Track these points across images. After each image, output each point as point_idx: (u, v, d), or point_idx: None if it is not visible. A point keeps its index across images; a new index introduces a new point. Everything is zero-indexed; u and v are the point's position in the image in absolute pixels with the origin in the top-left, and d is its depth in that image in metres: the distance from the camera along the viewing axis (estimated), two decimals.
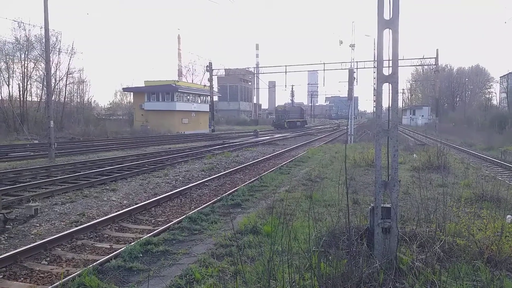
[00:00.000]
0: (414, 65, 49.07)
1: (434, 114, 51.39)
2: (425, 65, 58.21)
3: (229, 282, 4.48)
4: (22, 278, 5.57)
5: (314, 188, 10.06)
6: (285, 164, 16.75)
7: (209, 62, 49.09)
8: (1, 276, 5.54)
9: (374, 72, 45.17)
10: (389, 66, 4.75)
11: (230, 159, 19.36)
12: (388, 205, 4.74)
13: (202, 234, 6.89)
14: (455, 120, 54.54)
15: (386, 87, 4.79)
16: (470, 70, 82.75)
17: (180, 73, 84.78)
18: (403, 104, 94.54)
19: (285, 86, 64.58)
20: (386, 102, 4.85)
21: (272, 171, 14.60)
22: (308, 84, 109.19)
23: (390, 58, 4.64)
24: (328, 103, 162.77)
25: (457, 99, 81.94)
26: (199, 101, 54.14)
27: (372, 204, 4.94)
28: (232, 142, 30.10)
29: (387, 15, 4.60)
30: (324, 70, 44.39)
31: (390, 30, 4.59)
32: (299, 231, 6.00)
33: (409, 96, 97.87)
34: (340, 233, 5.33)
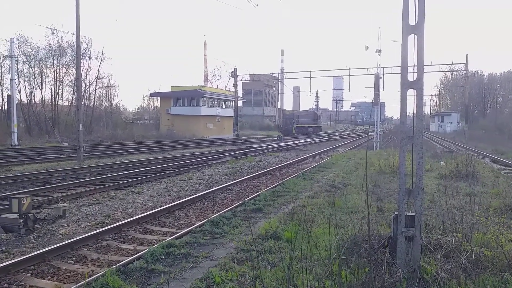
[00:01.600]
0: (442, 71, 48.05)
1: (464, 121, 49.95)
2: (454, 70, 56.81)
3: (248, 287, 4.48)
4: (49, 277, 5.74)
5: (337, 195, 9.95)
6: (308, 169, 16.65)
7: (234, 68, 49.51)
8: (29, 274, 5.72)
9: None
10: (414, 72, 4.68)
11: (253, 163, 19.41)
12: (412, 213, 4.65)
13: (223, 238, 6.93)
14: (486, 127, 52.89)
15: (411, 93, 4.72)
16: (502, 76, 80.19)
17: (205, 79, 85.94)
18: (431, 111, 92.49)
19: (310, 91, 63.42)
20: (411, 109, 4.78)
21: (294, 176, 14.53)
22: (333, 89, 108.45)
23: (415, 64, 4.57)
24: (353, 108, 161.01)
25: (488, 106, 79.47)
26: (224, 106, 54.61)
27: (396, 212, 4.86)
28: (256, 147, 30.17)
29: (412, 20, 4.54)
30: (349, 75, 43.96)
31: (415, 36, 4.52)
32: (320, 238, 5.95)
33: (438, 102, 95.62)
34: (362, 240, 5.25)
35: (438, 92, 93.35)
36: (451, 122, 73.90)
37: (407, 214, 4.67)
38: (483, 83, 78.23)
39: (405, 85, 4.60)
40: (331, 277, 4.32)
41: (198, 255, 5.99)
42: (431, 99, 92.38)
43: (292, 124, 57.27)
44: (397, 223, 4.67)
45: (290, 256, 4.22)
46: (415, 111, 4.63)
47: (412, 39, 4.54)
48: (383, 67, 38.97)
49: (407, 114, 5.02)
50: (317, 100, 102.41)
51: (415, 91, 4.59)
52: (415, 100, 4.61)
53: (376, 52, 29.32)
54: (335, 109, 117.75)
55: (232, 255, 5.84)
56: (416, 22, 4.49)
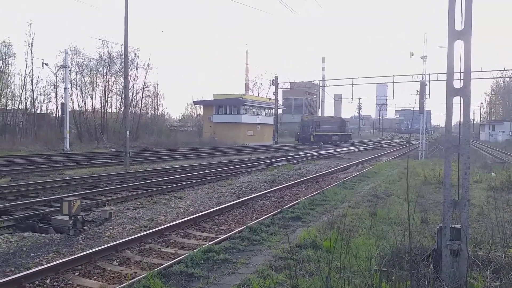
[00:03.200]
0: (493, 77, 45.57)
1: None
2: (507, 77, 53.77)
3: None
4: (94, 277, 5.99)
5: (379, 205, 9.69)
6: (349, 178, 16.35)
7: (275, 76, 49.74)
8: (77, 274, 6.00)
9: None
10: (460, 79, 4.51)
11: (292, 171, 19.33)
12: (458, 226, 4.45)
13: (261, 245, 6.94)
14: None
15: (457, 101, 4.55)
16: None
17: (247, 87, 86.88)
18: (481, 119, 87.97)
19: (352, 98, 61.43)
20: (458, 117, 4.61)
21: (335, 185, 14.31)
22: (376, 96, 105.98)
23: (462, 71, 4.41)
24: (397, 116, 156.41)
25: None
26: (264, 114, 54.90)
27: (440, 224, 4.67)
28: (295, 155, 30.02)
29: (458, 26, 4.38)
30: (393, 82, 42.89)
31: (462, 41, 4.36)
32: (360, 249, 5.82)
33: (488, 110, 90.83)
34: (405, 253, 5.08)
35: (489, 100, 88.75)
36: (503, 131, 69.78)
37: (453, 226, 4.48)
38: None
39: (451, 93, 4.44)
40: None
41: (236, 261, 6.04)
42: (481, 107, 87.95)
43: (311, 131, 50.87)
44: (442, 235, 4.49)
45: (328, 266, 4.17)
46: (461, 119, 4.45)
47: (458, 45, 4.39)
48: (429, 74, 37.66)
49: (454, 123, 4.84)
50: (359, 108, 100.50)
51: (461, 98, 4.42)
52: (462, 108, 4.43)
53: (422, 58, 28.43)
54: (378, 117, 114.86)
55: (270, 262, 5.84)
56: (463, 27, 4.34)
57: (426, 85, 29.17)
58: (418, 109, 30.32)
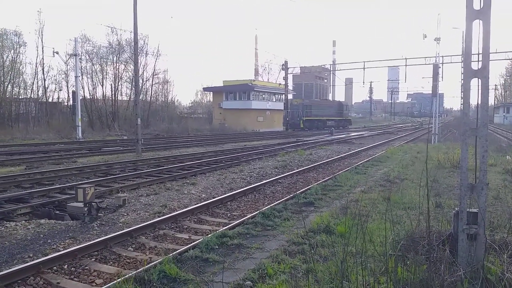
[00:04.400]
0: (509, 59, 44.50)
1: None
2: None
3: (301, 280, 4.48)
4: (111, 262, 6.09)
5: (393, 190, 9.63)
6: (361, 163, 16.25)
7: (285, 61, 49.27)
8: (93, 259, 6.10)
9: (462, 67, 41.89)
10: (478, 60, 4.39)
11: (303, 157, 19.27)
12: (475, 210, 4.39)
13: (274, 230, 6.96)
14: None
15: (474, 83, 4.44)
16: None
17: (256, 72, 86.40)
18: (495, 101, 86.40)
19: (363, 82, 60.35)
20: (474, 99, 4.50)
21: (347, 170, 14.24)
22: (388, 80, 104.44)
23: (480, 52, 4.29)
24: (409, 100, 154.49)
25: None
26: (274, 100, 54.60)
27: (456, 208, 4.61)
28: (306, 140, 29.92)
29: (477, 5, 4.25)
30: (406, 65, 42.07)
31: (481, 21, 4.23)
32: (374, 234, 5.79)
33: (503, 93, 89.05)
34: (420, 237, 5.04)
35: (503, 82, 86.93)
36: None
37: (469, 210, 4.42)
38: None
39: (469, 74, 4.33)
40: (386, 274, 4.20)
41: (250, 246, 6.08)
42: (495, 89, 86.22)
43: (300, 116, 46.40)
44: (458, 219, 4.44)
45: (343, 250, 4.15)
46: (479, 102, 4.34)
47: (477, 25, 4.26)
48: (442, 56, 36.92)
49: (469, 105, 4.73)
50: (370, 92, 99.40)
51: (479, 80, 4.30)
52: (480, 90, 4.33)
53: (435, 40, 27.89)
54: (390, 101, 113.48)
55: (284, 247, 5.86)
56: (481, 7, 4.20)
57: (440, 67, 28.64)
58: (431, 92, 29.85)
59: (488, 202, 8.03)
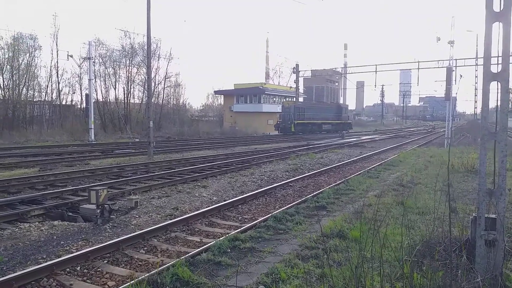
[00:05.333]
0: None
1: None
2: None
3: (315, 285, 4.42)
4: (123, 265, 6.09)
5: (406, 194, 9.49)
6: (373, 167, 16.09)
7: (296, 64, 49.19)
8: (106, 261, 6.12)
9: (476, 70, 41.31)
10: (498, 63, 4.30)
11: (315, 160, 19.16)
12: (493, 216, 4.30)
13: (287, 234, 6.91)
14: None
15: (493, 86, 4.35)
16: None
17: (267, 76, 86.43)
18: (511, 105, 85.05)
19: (375, 86, 59.38)
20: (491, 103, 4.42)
21: (359, 174, 14.11)
22: (400, 83, 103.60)
23: (500, 54, 4.20)
24: (422, 103, 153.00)
25: None
26: None
27: (474, 214, 4.52)
28: (317, 144, 29.77)
29: (496, 7, 4.17)
30: (418, 68, 41.63)
31: (500, 23, 4.15)
32: (389, 239, 5.71)
33: None
34: (436, 243, 4.95)
35: None
36: None
37: (488, 216, 4.33)
38: None
39: (488, 77, 4.25)
40: (402, 279, 4.12)
41: (262, 250, 6.03)
42: (510, 92, 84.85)
43: (291, 120, 42.10)
44: (476, 225, 4.35)
45: (358, 256, 4.09)
46: (498, 105, 4.25)
47: (496, 27, 4.18)
48: (456, 59, 36.49)
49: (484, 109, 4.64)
50: (382, 95, 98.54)
51: (498, 83, 4.22)
52: (499, 93, 4.24)
53: (449, 43, 27.58)
54: (401, 104, 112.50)
55: (296, 251, 5.80)
56: (501, 9, 4.12)
57: (453, 71, 28.31)
58: (443, 95, 29.47)
59: (507, 208, 7.87)
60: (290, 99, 53.38)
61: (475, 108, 46.07)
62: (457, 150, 21.53)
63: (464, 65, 39.19)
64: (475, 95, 44.47)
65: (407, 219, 6.35)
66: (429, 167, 15.40)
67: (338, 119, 49.72)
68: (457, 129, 46.71)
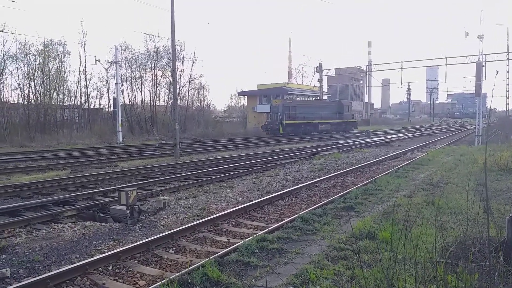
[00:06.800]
0: None
1: None
2: None
3: (345, 287, 4.37)
4: (153, 264, 6.20)
5: (437, 194, 9.26)
6: (401, 166, 15.77)
7: (319, 63, 48.76)
8: (136, 261, 6.25)
9: (508, 65, 39.93)
10: None
11: (340, 160, 18.95)
12: None
13: (315, 235, 6.86)
14: None
15: None
16: None
17: (290, 75, 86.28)
18: None
19: (401, 83, 57.83)
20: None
21: (387, 174, 13.86)
22: (426, 80, 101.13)
23: None
24: (450, 100, 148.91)
25: None
26: None
27: (510, 214, 4.37)
28: (342, 143, 29.44)
29: None
30: (446, 65, 40.51)
31: None
32: (420, 240, 5.58)
33: None
34: (470, 244, 4.81)
35: None
36: None
37: None
38: None
39: None
40: (435, 282, 4.02)
41: (291, 250, 6.01)
42: None
43: (279, 119, 38.22)
44: None
45: (389, 257, 4.02)
46: None
47: None
48: (485, 54, 35.33)
49: None
50: (408, 93, 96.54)
51: None
52: None
53: (478, 38, 26.73)
54: (429, 102, 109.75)
55: (325, 253, 5.75)
56: None
57: (483, 66, 27.43)
58: (473, 92, 28.58)
59: None
60: (313, 98, 53.04)
61: (507, 104, 44.51)
62: (489, 148, 20.83)
63: (495, 60, 37.94)
64: (507, 91, 42.97)
65: (438, 219, 6.20)
66: (459, 166, 14.97)
67: (340, 118, 45.94)
68: (488, 126, 45.17)
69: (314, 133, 42.11)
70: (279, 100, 42.66)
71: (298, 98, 51.02)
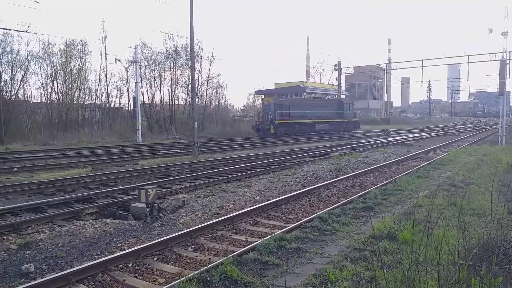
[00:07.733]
0: None
1: None
2: None
3: None
4: (172, 262, 6.26)
5: (459, 195, 9.07)
6: (422, 166, 15.50)
7: (338, 61, 48.34)
8: (155, 259, 6.32)
9: None
10: None
11: (359, 160, 18.75)
12: None
13: (333, 235, 6.81)
14: None
15: None
16: None
17: (308, 74, 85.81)
18: None
19: (421, 81, 56.67)
20: None
21: (407, 174, 13.65)
22: (448, 78, 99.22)
23: None
24: (472, 99, 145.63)
25: None
26: None
27: None
28: (361, 142, 29.13)
29: None
30: (468, 62, 39.65)
31: None
32: (441, 241, 5.48)
33: None
34: (494, 246, 4.69)
35: None
36: None
37: None
38: None
39: None
40: (458, 284, 3.94)
41: (309, 250, 5.98)
42: None
43: (270, 119, 36.02)
44: None
45: (409, 258, 3.95)
46: None
47: None
48: (509, 52, 34.37)
49: None
50: (429, 91, 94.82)
51: None
52: None
53: (502, 34, 26.04)
54: (450, 100, 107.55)
55: (344, 253, 5.70)
56: None
57: (507, 63, 26.70)
58: (496, 90, 27.85)
59: None
60: (331, 97, 52.58)
61: None
62: None
63: None
64: None
65: (460, 220, 6.07)
66: (482, 166, 14.63)
67: (340, 117, 43.27)
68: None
69: (311, 133, 40.30)
70: (270, 98, 40.54)
71: (316, 96, 50.32)
